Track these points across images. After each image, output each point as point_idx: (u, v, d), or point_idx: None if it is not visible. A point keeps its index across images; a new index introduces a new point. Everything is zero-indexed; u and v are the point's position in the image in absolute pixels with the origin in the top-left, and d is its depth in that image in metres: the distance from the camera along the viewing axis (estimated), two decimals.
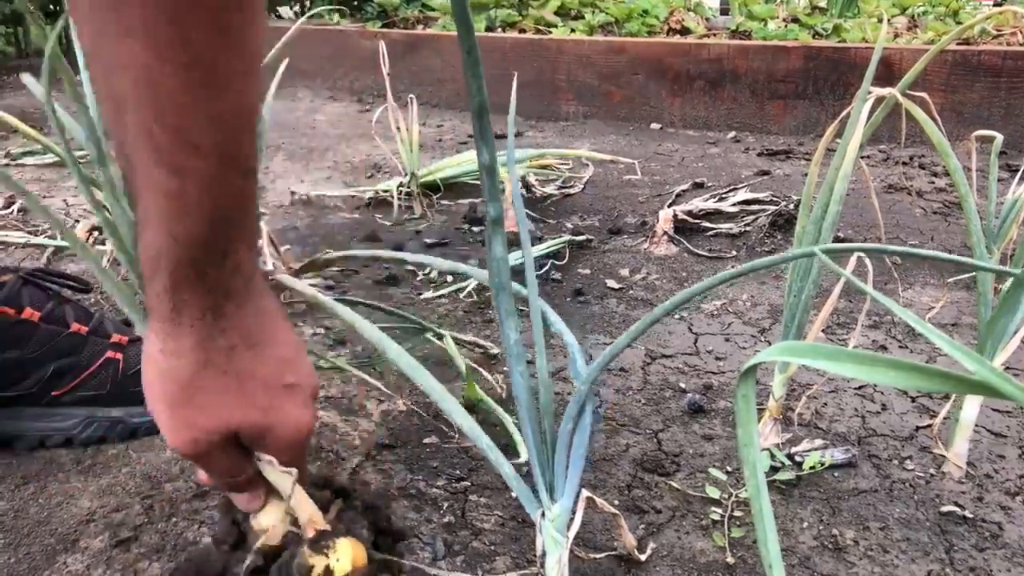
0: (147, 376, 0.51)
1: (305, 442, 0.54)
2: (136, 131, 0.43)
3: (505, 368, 1.05)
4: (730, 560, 0.71)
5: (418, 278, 1.37)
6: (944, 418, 0.86)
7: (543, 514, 0.61)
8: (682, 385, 1.01)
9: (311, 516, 0.56)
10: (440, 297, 1.29)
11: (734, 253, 1.49)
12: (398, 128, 1.70)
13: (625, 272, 1.39)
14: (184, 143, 0.43)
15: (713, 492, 0.79)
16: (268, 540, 0.56)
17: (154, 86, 0.41)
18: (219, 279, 0.48)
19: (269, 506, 0.57)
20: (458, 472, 0.83)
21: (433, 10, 3.65)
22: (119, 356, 0.89)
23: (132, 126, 0.43)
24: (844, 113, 0.77)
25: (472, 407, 0.94)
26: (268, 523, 0.56)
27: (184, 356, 0.49)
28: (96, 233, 1.50)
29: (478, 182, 1.93)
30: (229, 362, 0.50)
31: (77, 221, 1.58)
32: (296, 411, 0.53)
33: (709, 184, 1.92)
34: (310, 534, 0.55)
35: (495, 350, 1.08)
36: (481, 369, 1.03)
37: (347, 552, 0.55)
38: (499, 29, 3.29)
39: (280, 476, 0.54)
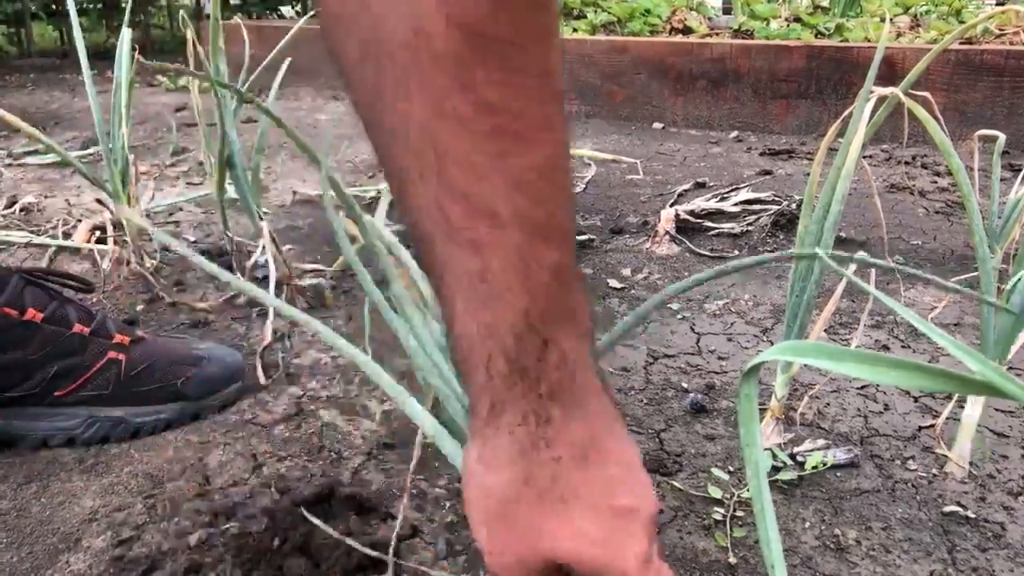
0: (467, 491, 0.44)
1: None
2: (423, 203, 0.36)
3: None
4: (732, 560, 0.71)
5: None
6: (947, 418, 0.86)
7: None
8: (684, 385, 1.01)
9: None
10: None
11: (736, 253, 1.49)
12: None
13: (627, 272, 1.39)
14: (479, 212, 0.35)
15: (715, 492, 0.79)
16: None
17: (434, 149, 0.35)
18: (541, 375, 0.39)
19: None
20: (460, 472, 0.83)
21: None
22: (122, 357, 0.89)
23: (417, 198, 0.37)
24: (846, 112, 0.77)
25: None
26: None
27: (502, 469, 0.41)
28: (98, 232, 1.50)
29: None
30: (554, 479, 0.41)
31: (79, 221, 1.58)
32: (627, 540, 0.42)
33: (711, 184, 1.92)
34: None
35: None
36: None
37: None
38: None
39: None
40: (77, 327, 0.86)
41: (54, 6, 4.67)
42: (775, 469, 0.82)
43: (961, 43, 2.42)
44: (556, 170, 0.37)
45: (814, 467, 0.82)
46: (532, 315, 0.38)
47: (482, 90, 0.33)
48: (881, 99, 0.76)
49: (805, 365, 0.90)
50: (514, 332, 0.38)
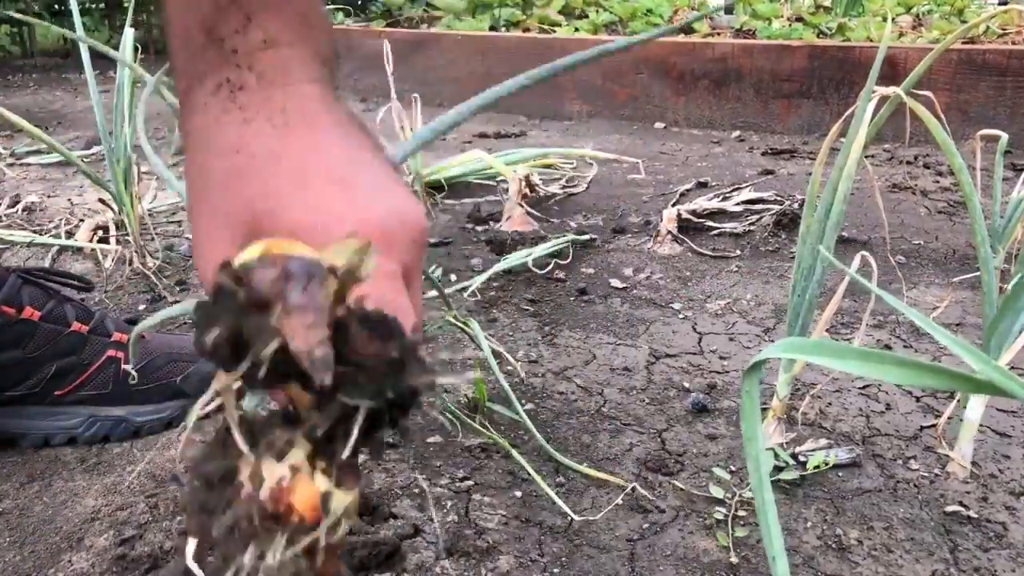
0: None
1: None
2: None
3: (509, 368, 1.05)
4: (734, 560, 0.71)
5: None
6: (948, 418, 0.86)
7: None
8: (686, 385, 1.01)
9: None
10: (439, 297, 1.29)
11: (738, 252, 1.49)
12: (402, 127, 1.70)
13: (629, 271, 1.39)
14: None
15: (717, 492, 0.79)
16: None
17: None
18: (238, 47, 0.37)
19: None
20: (461, 472, 0.83)
21: (437, 9, 3.65)
22: (120, 355, 0.89)
23: None
24: (848, 112, 0.77)
25: (476, 407, 0.94)
26: None
27: (196, 148, 0.38)
28: (101, 232, 1.50)
29: (483, 182, 1.93)
30: (241, 143, 0.36)
31: (82, 220, 1.58)
32: (343, 206, 0.35)
33: (713, 183, 1.92)
34: None
35: (499, 348, 1.08)
36: (485, 369, 1.03)
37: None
38: (503, 28, 3.29)
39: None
40: (75, 325, 0.86)
41: (57, 6, 4.67)
42: (777, 469, 0.82)
43: (964, 43, 2.41)
44: None
45: (816, 467, 0.82)
46: None
47: None
48: (883, 99, 0.76)
49: (808, 364, 0.89)
50: (214, 2, 0.37)
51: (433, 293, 1.29)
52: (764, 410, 0.92)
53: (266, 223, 0.35)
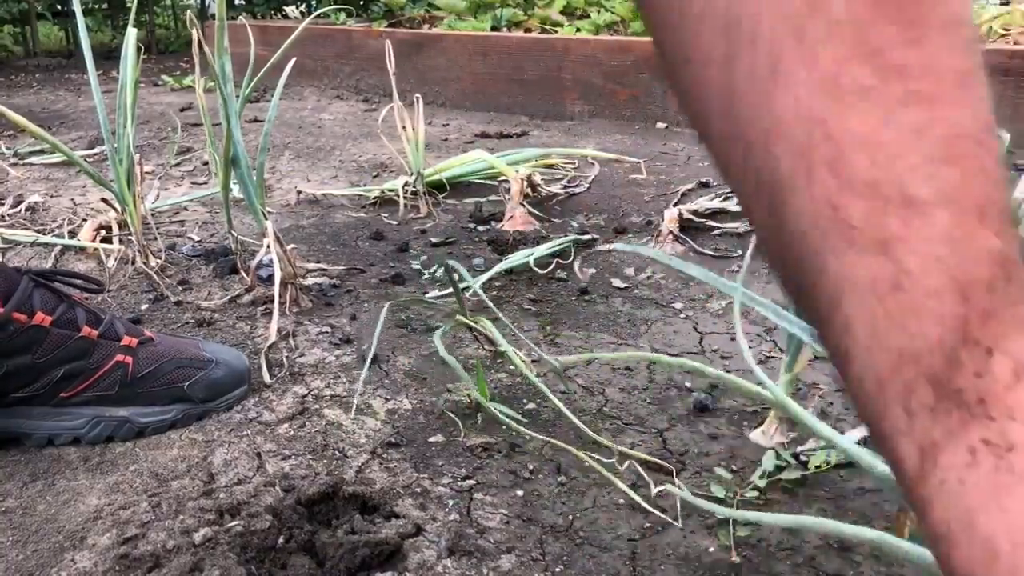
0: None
1: None
2: (808, 209, 0.28)
3: (511, 367, 1.05)
4: (735, 559, 0.71)
5: (424, 277, 1.37)
6: None
7: None
8: (687, 384, 1.01)
9: None
10: (446, 296, 1.29)
11: (740, 252, 1.49)
12: (404, 127, 1.70)
13: (630, 271, 1.39)
14: (891, 201, 0.27)
15: (718, 491, 0.79)
16: None
17: (829, 132, 0.27)
18: (985, 395, 0.27)
19: None
20: (464, 471, 0.83)
21: (439, 9, 3.65)
22: (129, 360, 0.89)
23: (798, 206, 0.28)
24: None
25: (479, 406, 0.94)
26: None
27: (966, 533, 0.27)
28: (103, 232, 1.51)
29: (484, 181, 1.93)
30: None
31: (84, 220, 1.59)
32: None
33: (714, 183, 1.92)
34: None
35: (502, 348, 1.08)
36: (488, 368, 1.03)
37: None
38: (505, 28, 3.30)
39: None
40: (85, 330, 0.86)
41: (59, 6, 4.68)
42: (778, 468, 0.82)
43: None
44: (985, 133, 0.29)
45: (817, 466, 0.82)
46: (970, 323, 0.27)
47: (888, 52, 0.27)
48: None
49: (810, 363, 0.90)
50: (943, 350, 0.28)
51: (441, 292, 1.29)
52: (765, 409, 0.92)
53: None
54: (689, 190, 1.86)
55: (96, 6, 5.09)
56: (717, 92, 0.29)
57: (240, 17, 3.84)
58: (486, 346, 1.08)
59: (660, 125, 2.65)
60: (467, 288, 1.29)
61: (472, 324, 0.97)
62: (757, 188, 0.30)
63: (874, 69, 0.26)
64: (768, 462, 0.81)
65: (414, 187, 1.76)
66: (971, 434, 0.27)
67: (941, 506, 0.28)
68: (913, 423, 0.28)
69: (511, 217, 1.62)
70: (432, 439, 0.89)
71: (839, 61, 0.26)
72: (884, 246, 0.27)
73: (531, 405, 0.96)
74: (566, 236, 1.50)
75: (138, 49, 1.30)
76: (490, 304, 0.97)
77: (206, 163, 2.17)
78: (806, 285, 0.30)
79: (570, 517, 0.76)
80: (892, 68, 0.26)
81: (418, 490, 0.80)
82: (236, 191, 1.33)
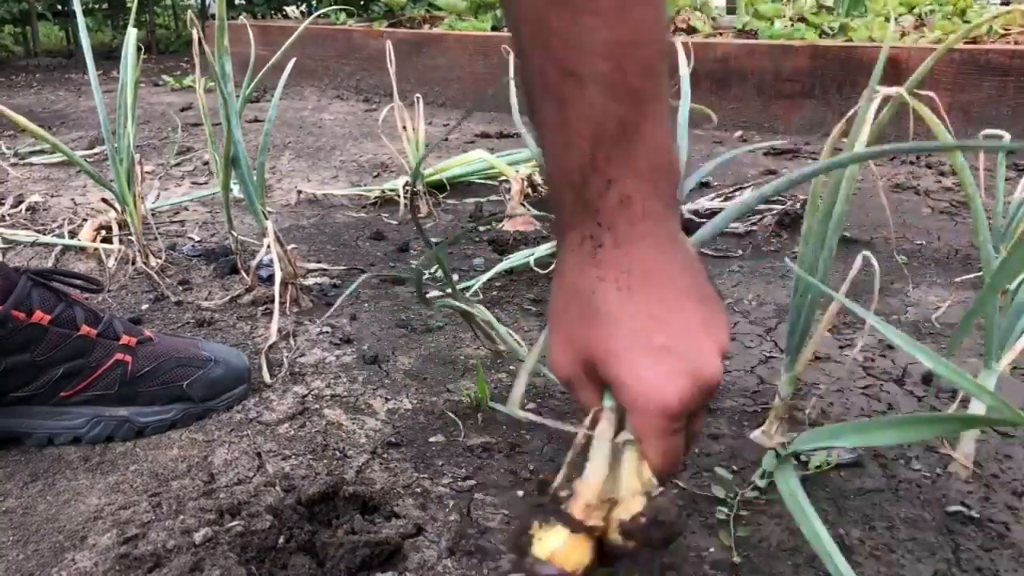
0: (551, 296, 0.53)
1: (657, 420, 0.47)
2: (534, 72, 0.47)
3: (511, 367, 1.05)
4: (736, 559, 0.71)
5: (424, 277, 1.37)
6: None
7: None
8: None
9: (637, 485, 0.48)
10: (446, 296, 1.29)
11: (740, 252, 1.49)
12: (404, 127, 1.70)
13: None
14: (566, 74, 0.45)
15: (719, 491, 0.79)
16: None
17: (544, 29, 0.45)
18: (600, 208, 0.47)
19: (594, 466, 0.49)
20: (464, 471, 0.83)
21: (440, 9, 3.65)
22: (128, 359, 0.89)
23: (532, 71, 0.47)
24: (851, 112, 0.77)
25: (479, 406, 0.94)
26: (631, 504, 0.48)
27: (561, 286, 0.51)
28: (103, 231, 1.51)
29: (484, 181, 1.93)
30: (595, 296, 0.48)
31: (85, 220, 1.59)
32: (651, 377, 0.46)
33: (715, 183, 1.92)
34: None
35: (501, 347, 1.08)
36: (488, 368, 1.03)
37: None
38: (505, 28, 3.29)
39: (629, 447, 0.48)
40: (84, 329, 0.86)
41: (60, 6, 4.68)
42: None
43: (966, 43, 2.41)
44: (635, 44, 0.45)
45: (818, 467, 0.82)
46: (597, 159, 0.46)
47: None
48: (885, 99, 0.76)
49: (810, 363, 0.89)
50: (582, 171, 0.47)
51: (442, 291, 1.29)
52: (765, 410, 0.92)
53: (598, 366, 0.48)
54: (690, 190, 1.85)
55: (96, 6, 5.09)
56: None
57: (240, 17, 3.84)
58: (482, 347, 1.08)
59: None
60: (466, 289, 1.29)
61: (467, 308, 0.97)
62: (520, 51, 0.48)
63: None
64: (768, 462, 0.81)
65: (414, 187, 1.76)
66: (584, 228, 0.48)
67: (557, 260, 0.51)
68: (562, 212, 0.50)
69: (511, 217, 1.62)
70: (432, 439, 0.89)
71: None
72: (560, 100, 0.46)
73: (531, 405, 0.96)
74: None
75: (138, 49, 1.30)
76: (479, 310, 0.97)
77: (206, 163, 2.17)
78: (533, 112, 0.49)
79: None
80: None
81: (418, 490, 0.80)
82: (236, 191, 1.33)
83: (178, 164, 2.20)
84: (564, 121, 0.46)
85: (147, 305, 1.25)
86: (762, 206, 1.65)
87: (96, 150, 2.24)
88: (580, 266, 0.48)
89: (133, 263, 1.37)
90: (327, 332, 1.15)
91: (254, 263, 1.23)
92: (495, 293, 1.29)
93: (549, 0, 0.44)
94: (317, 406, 0.96)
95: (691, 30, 3.00)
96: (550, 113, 0.47)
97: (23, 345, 0.83)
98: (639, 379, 0.46)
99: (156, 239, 1.48)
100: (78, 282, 0.90)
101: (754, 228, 1.58)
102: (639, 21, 0.45)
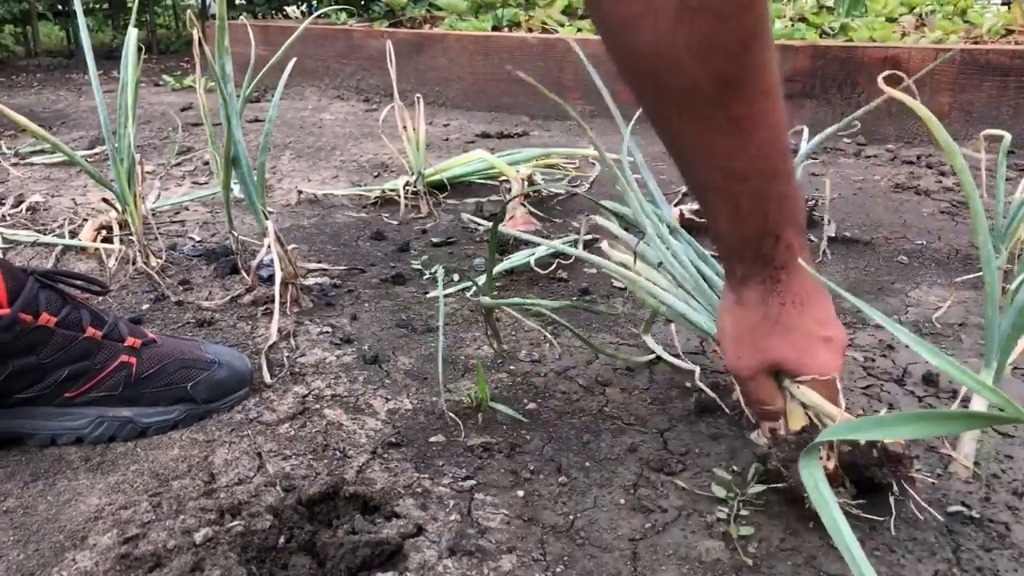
0: (722, 321, 0.76)
1: (831, 382, 0.73)
2: (702, 178, 0.69)
3: (512, 367, 1.05)
4: (736, 559, 0.71)
5: (424, 277, 1.37)
6: None
7: None
8: (688, 384, 1.01)
9: (830, 412, 0.74)
10: (446, 296, 1.29)
11: None
12: (405, 127, 1.70)
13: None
14: (732, 176, 0.65)
15: (719, 491, 0.79)
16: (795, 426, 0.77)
17: (712, 149, 0.65)
18: (774, 256, 0.69)
19: (793, 416, 0.77)
20: (464, 471, 0.83)
21: (440, 9, 3.65)
22: (132, 360, 0.89)
23: (699, 178, 0.69)
24: (855, 115, 0.77)
25: (479, 406, 0.94)
26: (797, 425, 0.77)
27: (749, 309, 0.72)
28: (104, 232, 1.51)
29: (485, 181, 1.93)
30: (780, 316, 0.71)
31: (85, 220, 1.59)
32: (825, 356, 0.72)
33: None
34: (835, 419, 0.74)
35: (505, 347, 1.08)
36: (489, 368, 1.03)
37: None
38: (506, 28, 3.29)
39: (808, 395, 0.74)
40: (89, 331, 0.86)
41: (60, 6, 4.68)
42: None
43: (967, 43, 2.41)
44: (775, 142, 0.64)
45: None
46: (768, 224, 0.68)
47: (730, 108, 0.61)
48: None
49: None
50: (757, 236, 0.69)
51: (443, 291, 1.29)
52: None
53: (783, 365, 0.74)
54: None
55: (97, 6, 5.09)
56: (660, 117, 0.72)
57: (241, 17, 3.84)
58: (483, 347, 1.08)
59: None
60: (467, 289, 1.29)
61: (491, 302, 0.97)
62: (678, 160, 0.70)
63: (723, 117, 0.64)
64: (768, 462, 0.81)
65: (415, 187, 1.76)
66: (764, 272, 0.71)
67: (734, 297, 0.74)
68: (742, 263, 0.72)
69: (512, 217, 1.62)
70: (433, 439, 0.89)
71: (709, 113, 0.64)
72: (729, 194, 0.67)
73: (532, 405, 0.96)
74: (567, 236, 1.50)
75: (139, 49, 1.30)
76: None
77: (207, 163, 2.17)
78: (701, 197, 0.71)
79: (571, 517, 0.76)
80: (733, 117, 0.63)
81: (419, 490, 0.80)
82: (237, 191, 1.34)
83: (178, 164, 2.20)
84: (736, 206, 0.67)
85: (147, 305, 1.25)
86: None
87: (97, 150, 2.24)
88: (764, 299, 0.71)
89: (133, 263, 1.37)
90: (327, 332, 1.15)
91: (254, 263, 1.23)
92: (496, 293, 1.29)
93: (716, 130, 0.62)
94: (317, 406, 0.96)
95: None
96: (722, 204, 0.68)
97: (29, 347, 0.83)
98: (817, 359, 0.73)
99: (157, 239, 1.48)
100: (80, 283, 0.90)
101: None
102: (775, 125, 0.63)
